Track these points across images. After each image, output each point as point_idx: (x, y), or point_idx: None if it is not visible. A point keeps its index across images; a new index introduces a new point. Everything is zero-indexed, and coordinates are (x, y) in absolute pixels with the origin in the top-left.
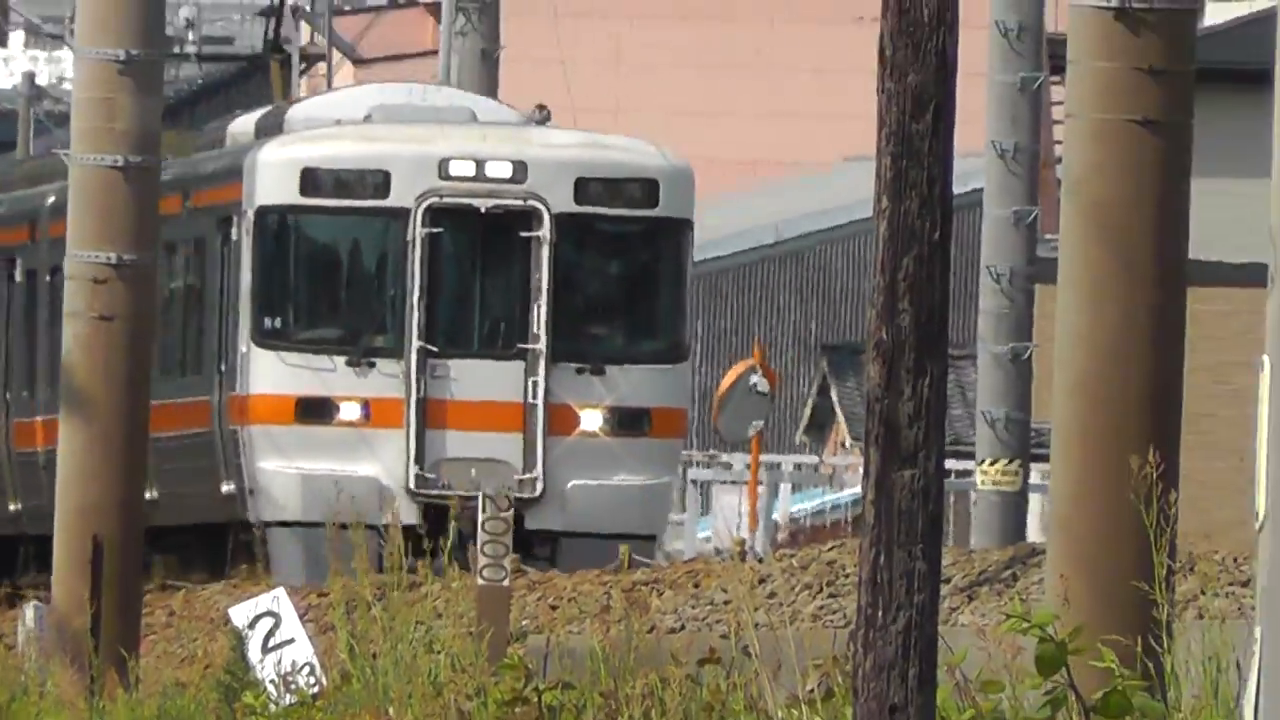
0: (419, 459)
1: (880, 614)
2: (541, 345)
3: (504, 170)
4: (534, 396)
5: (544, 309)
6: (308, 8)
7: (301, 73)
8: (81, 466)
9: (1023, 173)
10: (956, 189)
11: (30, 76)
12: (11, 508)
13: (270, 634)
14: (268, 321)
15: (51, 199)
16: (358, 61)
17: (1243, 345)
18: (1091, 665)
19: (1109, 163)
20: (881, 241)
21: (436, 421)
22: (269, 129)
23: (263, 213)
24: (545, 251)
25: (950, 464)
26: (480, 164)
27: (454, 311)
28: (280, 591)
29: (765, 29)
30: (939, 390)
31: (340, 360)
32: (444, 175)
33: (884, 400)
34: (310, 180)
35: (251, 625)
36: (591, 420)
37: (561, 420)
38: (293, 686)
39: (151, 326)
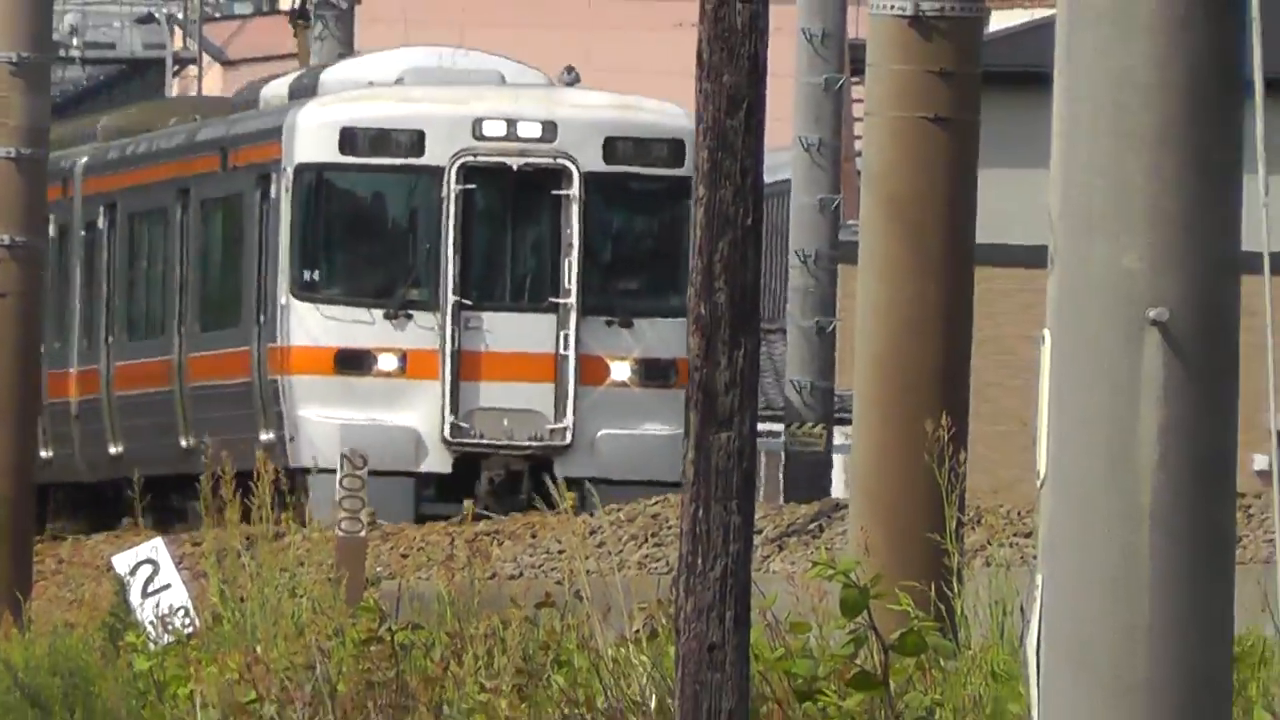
0: (454, 409)
1: (700, 562)
2: (572, 299)
3: (535, 130)
4: (565, 348)
5: (574, 264)
6: (180, 15)
7: (175, 74)
8: None
9: (827, 165)
10: (767, 179)
11: None
12: None
13: (150, 580)
14: (306, 275)
15: None
16: (226, 64)
17: (1027, 320)
18: (890, 609)
19: (904, 157)
20: (699, 227)
21: (470, 373)
22: (304, 91)
23: (301, 170)
24: (575, 209)
25: (762, 427)
26: (512, 124)
27: (487, 266)
28: (158, 541)
29: (589, 36)
30: (752, 360)
31: (378, 313)
32: (477, 135)
33: (702, 370)
34: (348, 139)
35: (133, 572)
36: (620, 371)
37: (591, 371)
38: (170, 627)
39: (41, 303)
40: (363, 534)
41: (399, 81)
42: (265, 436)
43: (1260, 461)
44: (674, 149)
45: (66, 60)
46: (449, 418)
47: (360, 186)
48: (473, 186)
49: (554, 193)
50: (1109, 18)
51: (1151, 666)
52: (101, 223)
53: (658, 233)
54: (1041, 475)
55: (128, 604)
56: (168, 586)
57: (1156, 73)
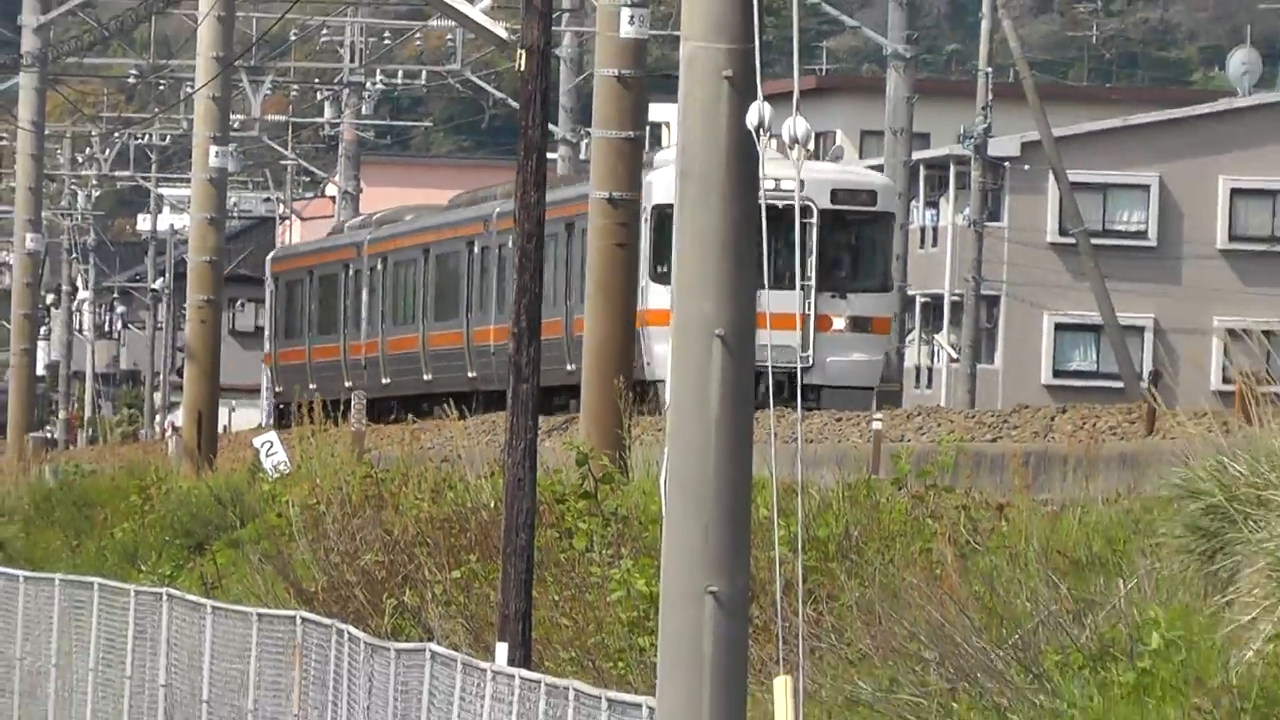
0: None
1: (514, 440)
2: (812, 282)
3: (787, 185)
4: (807, 310)
5: (813, 262)
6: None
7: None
8: None
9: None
10: None
11: None
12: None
13: (271, 450)
14: (658, 268)
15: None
16: (303, 219)
17: None
18: (598, 463)
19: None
20: (516, 288)
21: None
22: (643, 165)
23: (656, 209)
24: (814, 231)
25: None
26: (777, 181)
27: (763, 262)
28: (272, 434)
29: None
30: (537, 352)
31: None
32: None
33: (516, 355)
34: None
35: (262, 447)
36: (839, 324)
37: (823, 324)
38: (278, 471)
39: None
40: (363, 427)
41: None
42: (470, 374)
43: None
44: (870, 195)
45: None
46: None
47: None
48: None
49: (802, 221)
50: (696, 176)
51: (716, 485)
52: (379, 266)
53: (860, 244)
54: (667, 402)
55: (260, 461)
56: (277, 453)
57: (716, 210)
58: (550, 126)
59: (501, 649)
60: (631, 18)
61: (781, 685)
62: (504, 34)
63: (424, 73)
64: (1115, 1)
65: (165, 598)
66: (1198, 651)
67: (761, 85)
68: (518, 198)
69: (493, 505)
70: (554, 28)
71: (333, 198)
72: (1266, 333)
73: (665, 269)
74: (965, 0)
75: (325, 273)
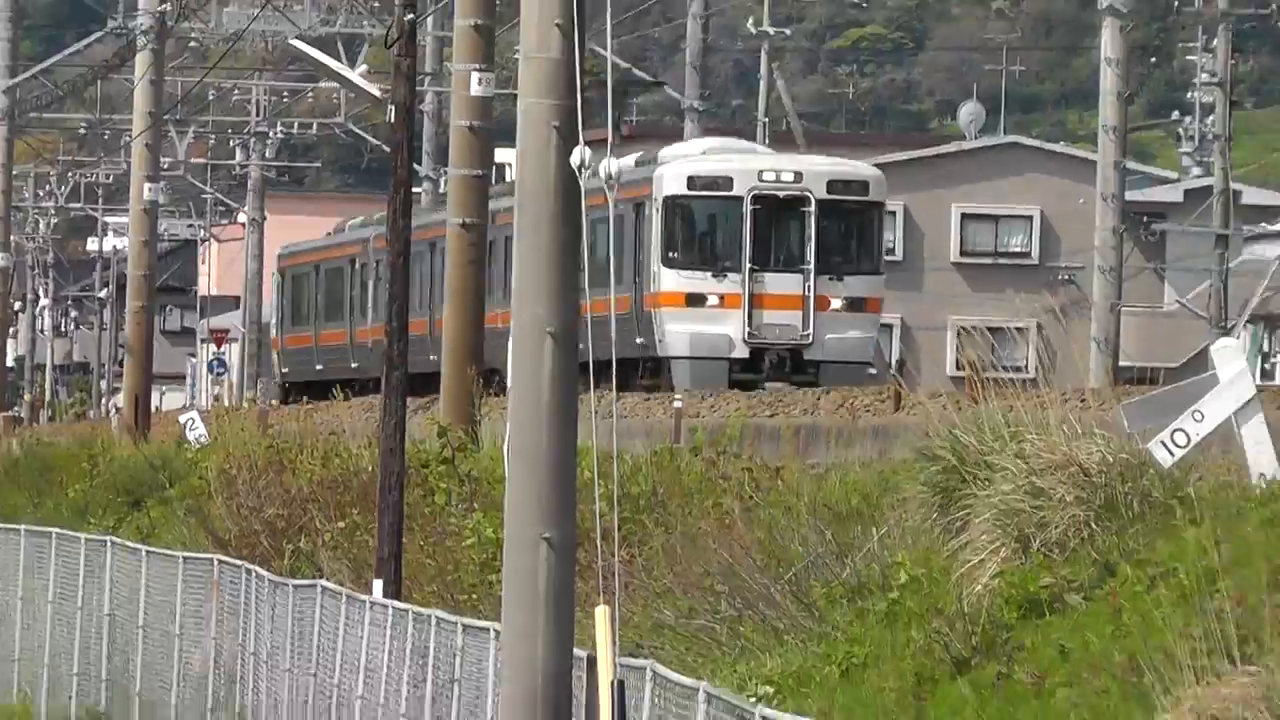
0: (750, 323)
1: (388, 419)
2: (811, 265)
3: (790, 176)
4: (807, 291)
5: (811, 247)
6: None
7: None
8: None
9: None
10: None
11: None
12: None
13: (193, 425)
14: (670, 254)
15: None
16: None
17: None
18: (455, 435)
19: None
20: (389, 294)
21: (757, 305)
22: (647, 161)
23: (668, 200)
24: (812, 219)
25: None
26: (778, 173)
27: (766, 249)
28: (194, 412)
29: None
30: (405, 345)
31: (708, 273)
32: (760, 179)
33: (390, 347)
34: (692, 182)
35: (188, 422)
36: (836, 304)
37: (822, 304)
38: (200, 442)
39: None
40: (270, 405)
41: (704, 153)
42: (639, 340)
43: None
44: (862, 186)
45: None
46: (747, 328)
47: (696, 208)
48: (758, 207)
49: (800, 209)
50: (529, 206)
51: (547, 452)
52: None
53: (854, 230)
54: (510, 382)
55: (185, 435)
56: (199, 428)
57: (546, 233)
58: (415, 166)
59: (378, 585)
60: (479, 80)
61: (601, 613)
62: (377, 93)
63: (315, 124)
64: (868, 65)
65: (109, 544)
66: (937, 586)
67: (582, 133)
68: (389, 224)
69: (370, 469)
70: (417, 88)
71: (243, 224)
72: (991, 329)
73: (676, 255)
74: (748, 64)
75: (331, 267)
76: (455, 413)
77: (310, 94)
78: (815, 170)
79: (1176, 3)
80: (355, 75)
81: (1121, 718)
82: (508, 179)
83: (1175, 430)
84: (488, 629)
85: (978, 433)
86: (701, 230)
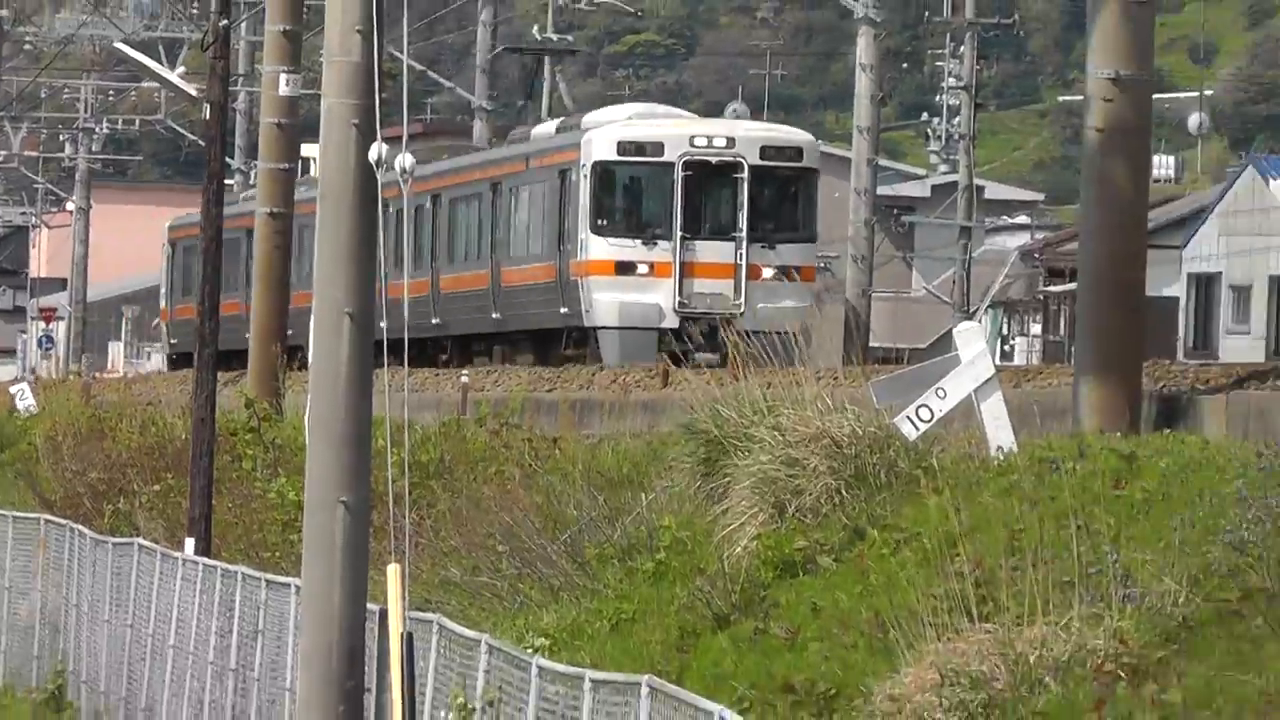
0: (681, 292)
1: (199, 389)
2: (743, 233)
3: (723, 142)
4: (739, 260)
5: (744, 215)
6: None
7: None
8: None
9: None
10: None
11: None
12: None
13: (23, 396)
14: (599, 222)
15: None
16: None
17: None
18: (261, 406)
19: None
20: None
21: (689, 273)
22: (570, 126)
23: (597, 165)
24: (745, 186)
25: None
26: (710, 138)
27: (697, 216)
28: (24, 384)
29: None
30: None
31: (638, 241)
32: (692, 144)
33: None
34: (622, 147)
35: (18, 393)
36: (769, 273)
37: (754, 273)
38: (28, 412)
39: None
40: (95, 377)
41: (629, 119)
42: (563, 310)
43: None
44: (796, 152)
45: None
46: (677, 298)
47: (627, 173)
48: (689, 173)
49: (733, 175)
50: (331, 197)
51: (344, 423)
52: (428, 205)
53: (788, 197)
54: (311, 358)
55: (16, 405)
56: (28, 398)
57: (346, 223)
58: (228, 160)
59: (189, 543)
60: (287, 81)
61: (393, 571)
62: (194, 93)
63: (138, 120)
64: (644, 69)
65: None
66: (700, 547)
67: (380, 130)
68: (203, 213)
69: (184, 437)
70: (230, 88)
71: (71, 211)
72: None
73: (604, 221)
74: (532, 67)
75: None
76: (262, 386)
77: (134, 93)
78: (749, 136)
79: (926, 13)
80: (174, 76)
81: (868, 670)
82: (312, 172)
83: (920, 406)
84: (289, 584)
85: (738, 407)
86: (632, 197)
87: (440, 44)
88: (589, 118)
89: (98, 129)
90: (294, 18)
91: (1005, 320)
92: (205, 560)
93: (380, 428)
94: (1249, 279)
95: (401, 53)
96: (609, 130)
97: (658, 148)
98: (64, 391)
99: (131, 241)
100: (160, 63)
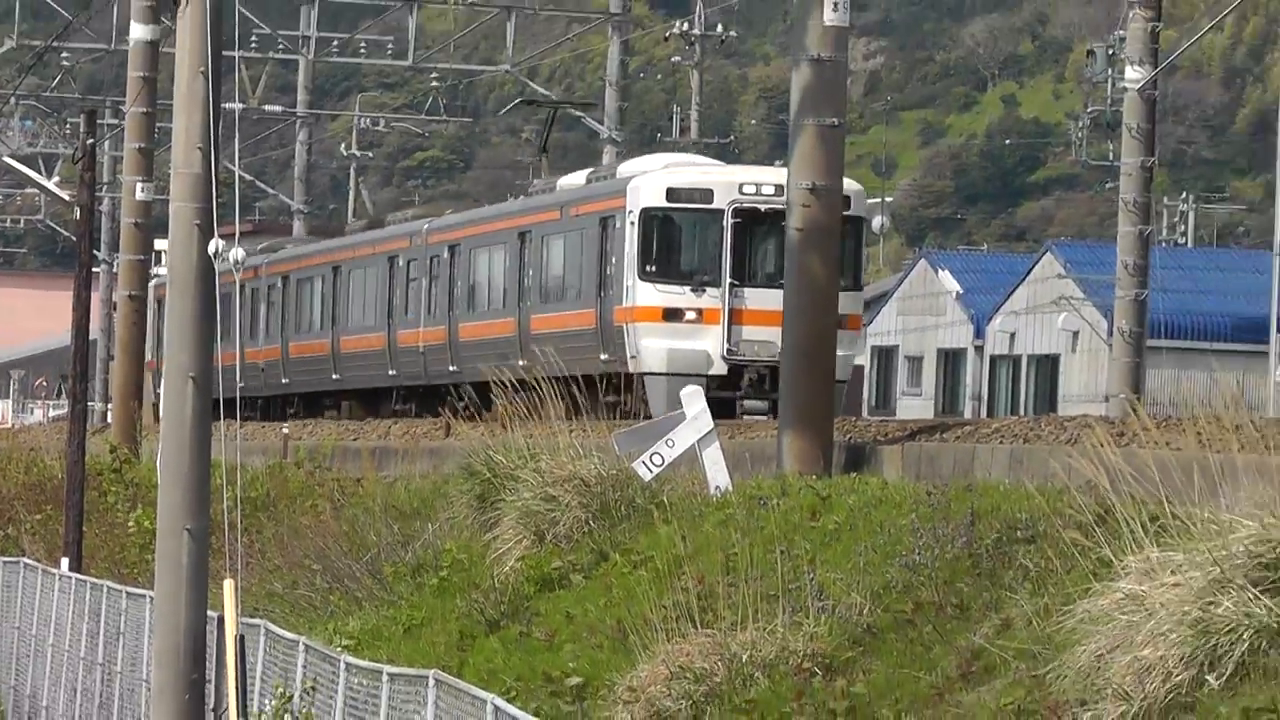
0: (730, 339)
1: (72, 437)
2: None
3: (770, 190)
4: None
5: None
6: None
7: None
8: None
9: None
10: None
11: None
12: None
13: None
14: (646, 268)
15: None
16: None
17: None
18: (123, 451)
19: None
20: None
21: (737, 320)
22: (603, 176)
23: (645, 212)
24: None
25: None
26: (759, 186)
27: (746, 263)
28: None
29: None
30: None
31: (686, 288)
32: (741, 191)
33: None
34: (672, 194)
35: None
36: None
37: None
38: None
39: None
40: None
41: (665, 167)
42: (604, 356)
43: None
44: (845, 201)
45: None
46: (726, 345)
47: (677, 220)
48: (739, 220)
49: (782, 224)
50: (179, 282)
51: (188, 465)
52: (445, 254)
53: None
54: (162, 413)
55: None
56: None
57: (190, 302)
58: (95, 252)
59: (65, 561)
60: (142, 188)
61: (228, 585)
62: (68, 197)
63: (22, 220)
64: (430, 179)
65: None
66: (476, 566)
67: (217, 229)
68: (74, 296)
69: (60, 476)
70: (98, 193)
71: None
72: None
73: (653, 269)
74: (340, 177)
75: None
76: (123, 435)
77: (18, 197)
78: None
79: (659, 134)
80: (51, 184)
81: (612, 666)
82: (163, 262)
83: (653, 453)
84: (145, 595)
85: (506, 454)
86: (680, 244)
87: (265, 158)
88: (625, 166)
89: None
90: (148, 137)
91: None
92: (78, 575)
93: (218, 469)
94: (920, 350)
95: (234, 165)
96: (657, 177)
97: (707, 194)
98: None
99: (19, 317)
100: (40, 173)
